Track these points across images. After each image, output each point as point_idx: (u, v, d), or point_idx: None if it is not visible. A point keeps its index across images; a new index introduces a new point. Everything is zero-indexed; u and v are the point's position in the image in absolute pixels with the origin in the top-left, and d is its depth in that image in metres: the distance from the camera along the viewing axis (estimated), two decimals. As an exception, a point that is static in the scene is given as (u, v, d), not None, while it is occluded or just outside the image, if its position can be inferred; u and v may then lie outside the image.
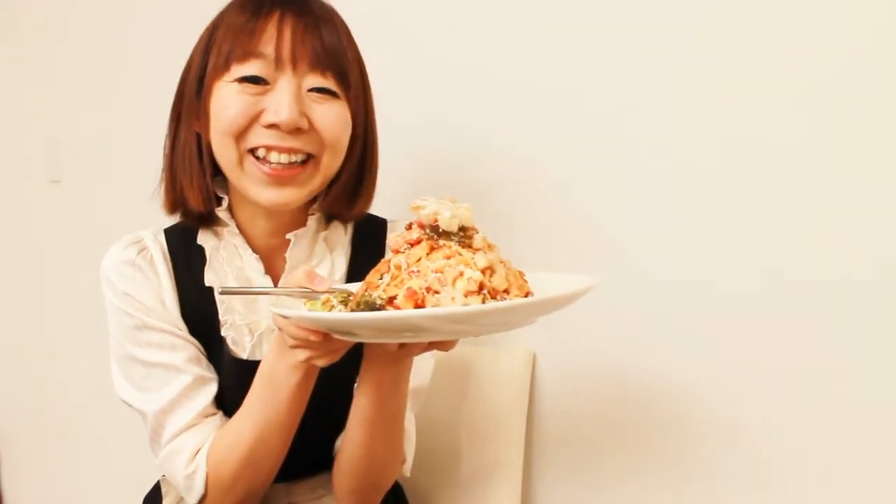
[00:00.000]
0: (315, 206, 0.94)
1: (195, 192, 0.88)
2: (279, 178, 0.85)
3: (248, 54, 0.83)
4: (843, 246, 0.90)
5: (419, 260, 0.68)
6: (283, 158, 0.84)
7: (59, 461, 2.02)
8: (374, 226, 0.99)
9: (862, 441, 0.90)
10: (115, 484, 1.80)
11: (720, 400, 0.99)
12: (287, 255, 0.92)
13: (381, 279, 0.70)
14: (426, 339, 0.72)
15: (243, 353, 0.91)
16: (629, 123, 1.04)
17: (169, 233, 0.94)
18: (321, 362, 0.75)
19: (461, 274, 0.66)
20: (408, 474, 0.96)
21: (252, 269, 0.92)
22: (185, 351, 0.89)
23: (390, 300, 0.67)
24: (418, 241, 0.70)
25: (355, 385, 0.88)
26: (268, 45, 0.83)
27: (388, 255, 0.73)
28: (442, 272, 0.67)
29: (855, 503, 0.91)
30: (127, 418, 1.68)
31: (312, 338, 0.71)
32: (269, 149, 0.84)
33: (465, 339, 1.18)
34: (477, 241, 0.71)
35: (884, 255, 0.87)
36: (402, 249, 0.71)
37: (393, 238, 0.72)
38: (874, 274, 0.88)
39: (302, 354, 0.74)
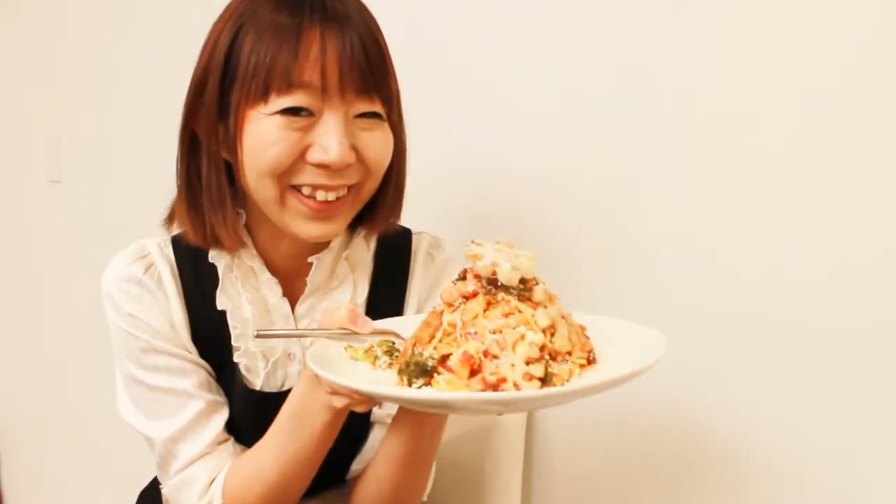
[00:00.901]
0: None
1: (229, 234, 0.81)
2: (324, 213, 0.79)
3: (290, 85, 0.73)
4: (843, 245, 0.90)
5: (475, 317, 0.63)
6: (331, 196, 0.78)
7: (59, 461, 2.02)
8: (397, 237, 0.94)
9: (865, 441, 0.90)
10: (114, 484, 1.80)
11: (725, 404, 0.99)
12: (308, 278, 0.87)
13: (433, 336, 0.65)
14: (479, 414, 0.67)
15: (257, 380, 0.86)
16: (628, 121, 1.04)
17: (177, 245, 0.87)
18: (360, 409, 0.71)
19: (522, 337, 0.61)
20: (425, 498, 0.93)
21: (268, 291, 0.87)
22: (195, 376, 0.84)
23: (442, 360, 0.62)
24: (474, 295, 0.64)
25: (388, 422, 0.86)
26: (312, 74, 0.74)
27: (439, 304, 0.67)
28: (500, 333, 0.61)
29: (857, 503, 0.91)
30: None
31: (356, 396, 0.68)
32: (315, 187, 0.77)
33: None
34: (537, 293, 0.65)
35: (884, 255, 0.87)
36: (456, 304, 0.65)
37: (446, 290, 0.66)
38: (875, 274, 0.88)
39: (340, 402, 0.70)
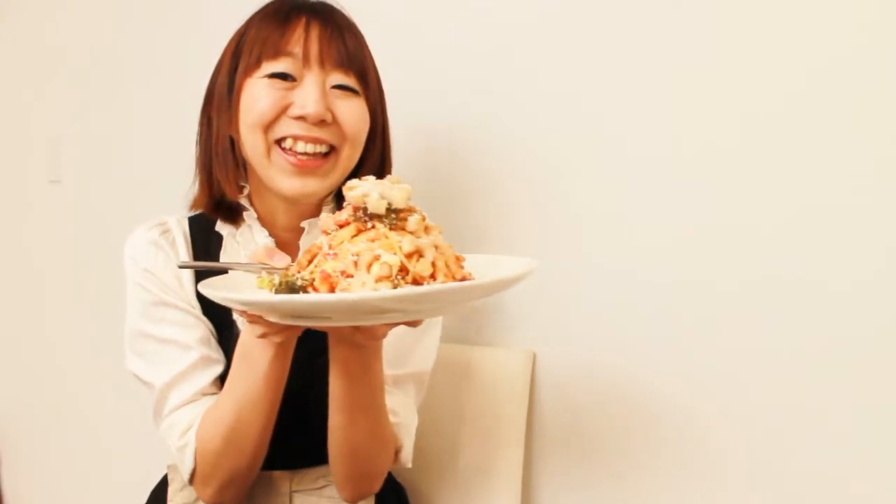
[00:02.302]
0: (329, 197, 0.99)
1: (231, 185, 0.94)
2: (304, 169, 0.90)
3: (278, 52, 0.89)
4: (843, 246, 0.90)
5: (342, 242, 0.67)
6: (309, 148, 0.90)
7: (59, 461, 2.02)
8: None
9: (865, 442, 0.90)
10: (114, 484, 1.80)
11: (721, 399, 0.99)
12: (301, 242, 0.96)
13: (311, 261, 0.70)
14: (340, 323, 0.70)
15: None
16: (628, 121, 1.04)
17: (192, 220, 0.99)
18: (277, 339, 0.78)
19: (377, 258, 0.65)
20: (409, 465, 0.96)
21: None
22: (196, 330, 0.93)
23: (312, 282, 0.67)
24: (347, 223, 0.70)
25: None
26: (296, 46, 0.89)
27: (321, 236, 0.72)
28: (359, 255, 0.65)
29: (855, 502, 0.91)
30: (127, 417, 1.68)
31: (247, 318, 0.74)
32: (295, 139, 0.89)
33: (467, 341, 1.18)
34: (411, 223, 0.69)
35: (885, 256, 0.87)
36: (330, 231, 0.70)
37: (323, 218, 0.72)
38: (874, 274, 0.88)
39: (258, 330, 0.76)
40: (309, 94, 0.88)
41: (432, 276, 0.66)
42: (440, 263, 0.67)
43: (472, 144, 1.19)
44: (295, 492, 0.97)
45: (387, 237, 0.67)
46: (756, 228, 0.95)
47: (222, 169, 0.94)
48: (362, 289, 0.64)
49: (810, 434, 0.93)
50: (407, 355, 0.97)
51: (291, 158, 0.89)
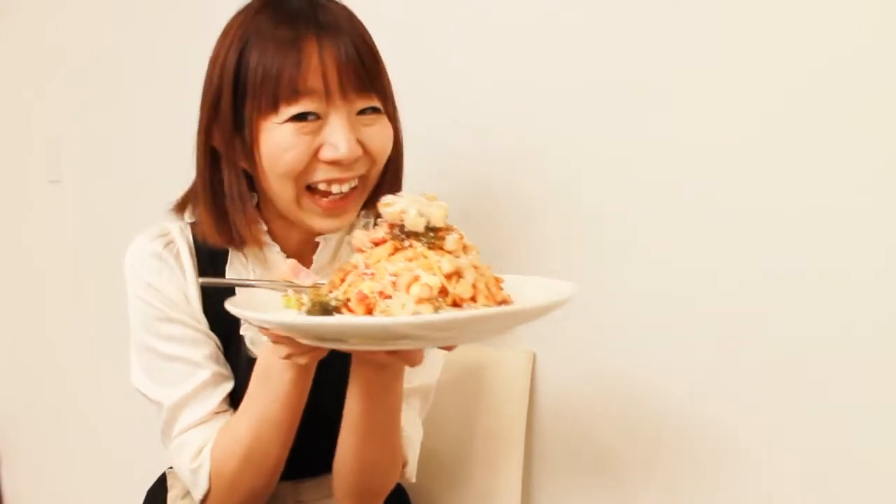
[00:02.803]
0: None
1: (253, 233, 0.88)
2: (337, 210, 0.86)
3: (296, 94, 0.81)
4: (843, 246, 0.90)
5: (379, 261, 0.65)
6: (345, 188, 0.85)
7: (59, 461, 2.02)
8: None
9: (865, 442, 0.90)
10: (115, 483, 1.80)
11: (722, 400, 0.99)
12: (315, 257, 0.92)
13: (343, 280, 0.67)
14: (377, 347, 0.67)
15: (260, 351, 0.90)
16: (627, 122, 1.04)
17: (195, 228, 0.93)
18: (302, 360, 0.74)
19: (416, 278, 0.62)
20: (413, 479, 0.94)
21: (275, 269, 0.90)
22: (205, 347, 0.89)
23: (346, 302, 0.65)
24: (383, 241, 0.67)
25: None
26: (315, 80, 0.81)
27: (354, 253, 0.70)
28: (398, 276, 0.63)
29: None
30: (127, 417, 1.68)
31: (271, 337, 0.71)
32: (329, 182, 0.84)
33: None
34: (449, 242, 0.66)
35: (885, 256, 0.87)
36: (365, 249, 0.68)
37: (357, 235, 0.69)
38: (874, 274, 0.88)
39: (283, 351, 0.73)
40: (339, 135, 0.82)
41: (472, 299, 0.64)
42: (480, 285, 0.65)
43: (470, 147, 1.19)
44: (299, 503, 0.97)
45: (425, 256, 0.65)
46: (756, 228, 0.95)
47: (240, 214, 0.87)
48: (402, 311, 0.62)
49: (811, 434, 0.93)
50: (415, 369, 0.92)
51: (325, 203, 0.85)
